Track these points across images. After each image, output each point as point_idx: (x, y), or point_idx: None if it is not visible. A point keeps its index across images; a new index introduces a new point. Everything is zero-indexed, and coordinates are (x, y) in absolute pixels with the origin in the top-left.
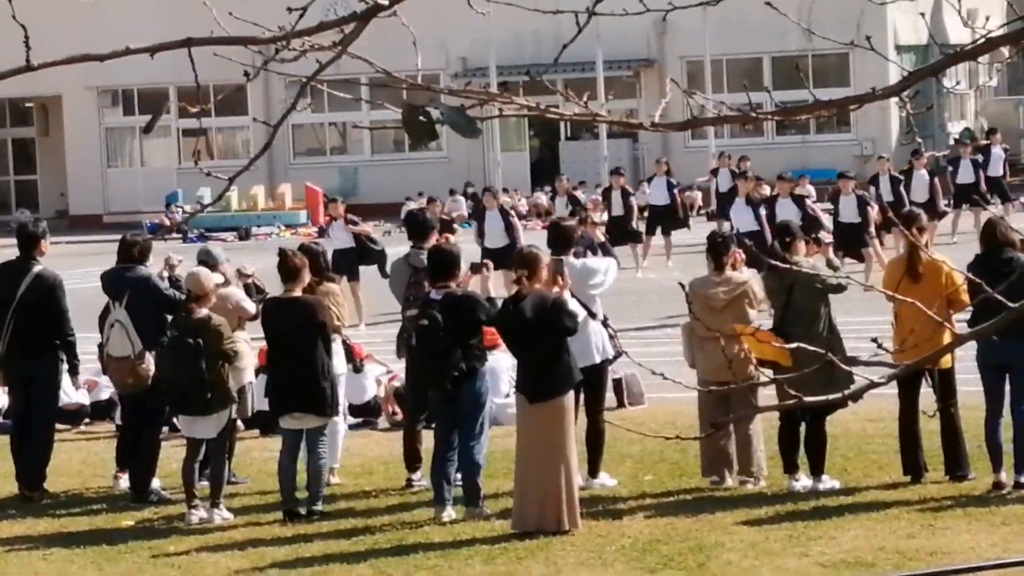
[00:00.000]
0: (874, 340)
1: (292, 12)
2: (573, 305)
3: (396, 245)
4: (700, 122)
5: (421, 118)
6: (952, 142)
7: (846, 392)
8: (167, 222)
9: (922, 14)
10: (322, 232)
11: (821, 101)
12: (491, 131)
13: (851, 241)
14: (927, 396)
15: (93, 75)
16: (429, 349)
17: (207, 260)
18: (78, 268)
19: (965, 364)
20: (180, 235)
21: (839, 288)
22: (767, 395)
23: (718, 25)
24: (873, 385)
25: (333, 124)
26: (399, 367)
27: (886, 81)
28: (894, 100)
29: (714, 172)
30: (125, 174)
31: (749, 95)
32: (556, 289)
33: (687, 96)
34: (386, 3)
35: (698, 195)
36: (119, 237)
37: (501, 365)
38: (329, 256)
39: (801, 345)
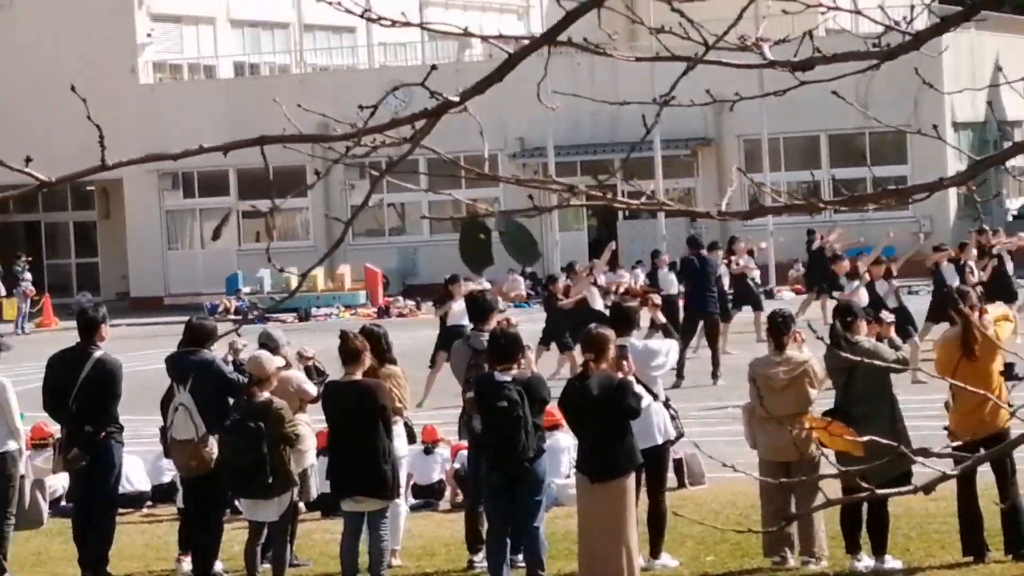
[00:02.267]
0: (945, 428)
1: (363, 109)
2: (638, 388)
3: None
4: (765, 210)
5: (481, 235)
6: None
7: (919, 485)
8: (228, 304)
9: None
10: (381, 313)
11: (888, 189)
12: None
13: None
14: (985, 475)
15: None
16: (500, 431)
17: (268, 343)
18: (139, 351)
19: None
20: (239, 316)
21: (900, 368)
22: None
23: (775, 104)
24: (946, 477)
25: (392, 205)
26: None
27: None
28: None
29: (809, 244)
30: (185, 256)
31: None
32: (620, 373)
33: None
34: (457, 100)
35: (756, 272)
36: (180, 319)
37: (560, 445)
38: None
39: (873, 438)
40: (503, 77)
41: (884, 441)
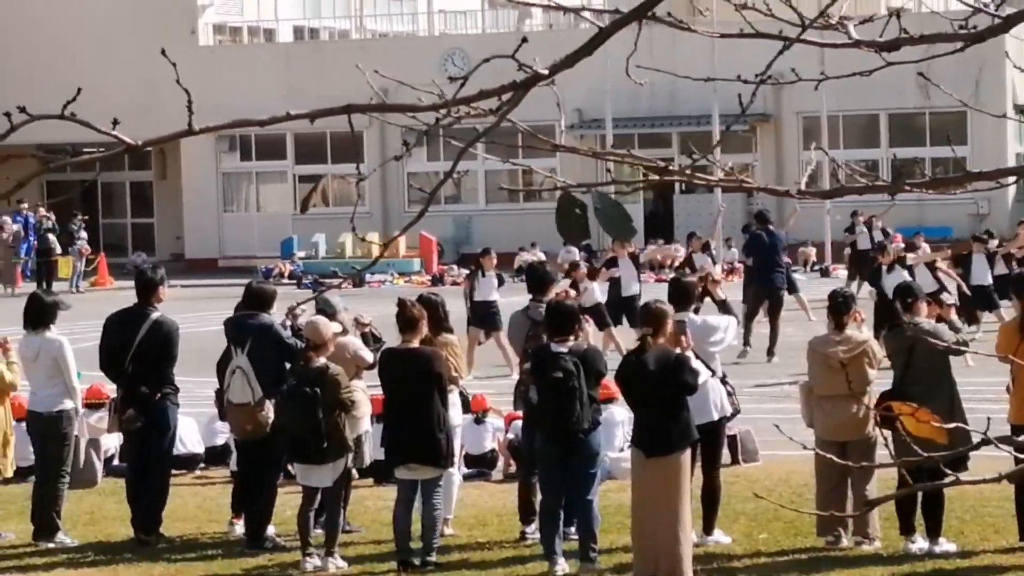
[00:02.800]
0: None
1: (453, 81)
2: (696, 363)
3: (509, 295)
4: (847, 190)
5: (577, 211)
6: None
7: (1002, 473)
8: (283, 268)
9: None
10: (435, 281)
11: (974, 172)
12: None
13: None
14: None
15: (210, 119)
16: (556, 402)
17: (325, 309)
18: (193, 312)
19: None
20: (294, 281)
21: (960, 351)
22: (882, 456)
23: (835, 81)
24: None
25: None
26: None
27: (1004, 140)
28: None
29: (850, 230)
30: (241, 219)
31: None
32: (678, 349)
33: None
34: (546, 72)
35: (812, 251)
36: (234, 281)
37: (615, 419)
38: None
39: (960, 425)
40: (593, 51)
41: (969, 428)
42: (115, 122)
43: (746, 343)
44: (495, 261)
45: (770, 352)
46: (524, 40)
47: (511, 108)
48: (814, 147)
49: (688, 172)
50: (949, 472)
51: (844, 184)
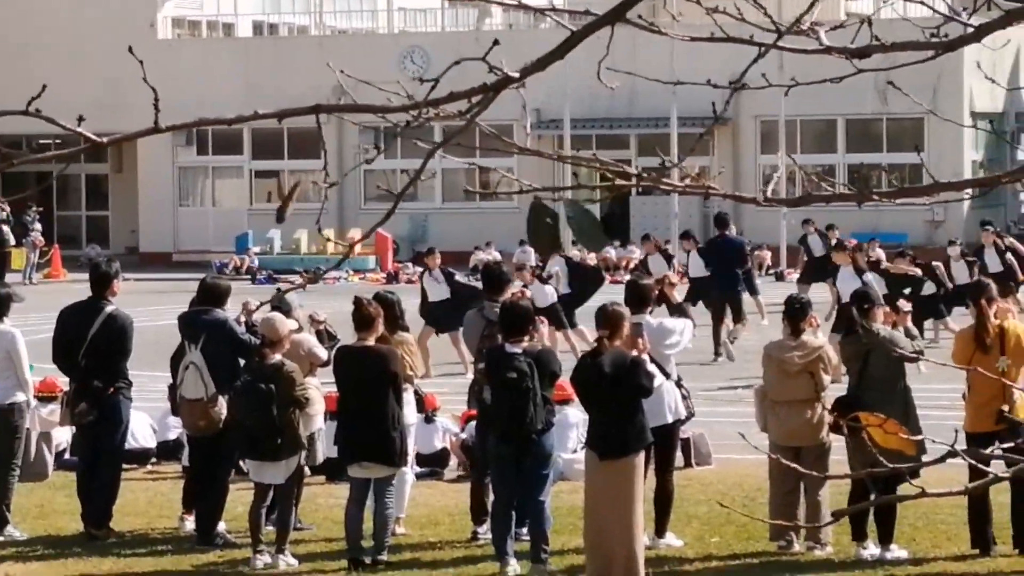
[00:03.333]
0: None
1: (415, 80)
2: (651, 367)
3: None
4: (813, 198)
5: (548, 220)
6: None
7: (968, 485)
8: (237, 263)
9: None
10: (390, 278)
11: (942, 182)
12: (562, 184)
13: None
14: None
15: (168, 114)
16: (510, 402)
17: (281, 305)
18: (147, 306)
19: None
20: (248, 276)
21: (915, 358)
22: (836, 462)
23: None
24: (997, 479)
25: (404, 171)
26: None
27: (960, 147)
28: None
29: (803, 240)
30: (196, 213)
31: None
32: (635, 351)
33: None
34: (516, 75)
35: (767, 254)
36: (188, 276)
37: (569, 420)
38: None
39: (929, 438)
40: (564, 55)
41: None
42: (80, 119)
43: (717, 352)
44: (439, 260)
45: (717, 354)
46: (495, 42)
47: (481, 110)
48: (780, 154)
49: (654, 177)
50: (909, 481)
51: (809, 192)
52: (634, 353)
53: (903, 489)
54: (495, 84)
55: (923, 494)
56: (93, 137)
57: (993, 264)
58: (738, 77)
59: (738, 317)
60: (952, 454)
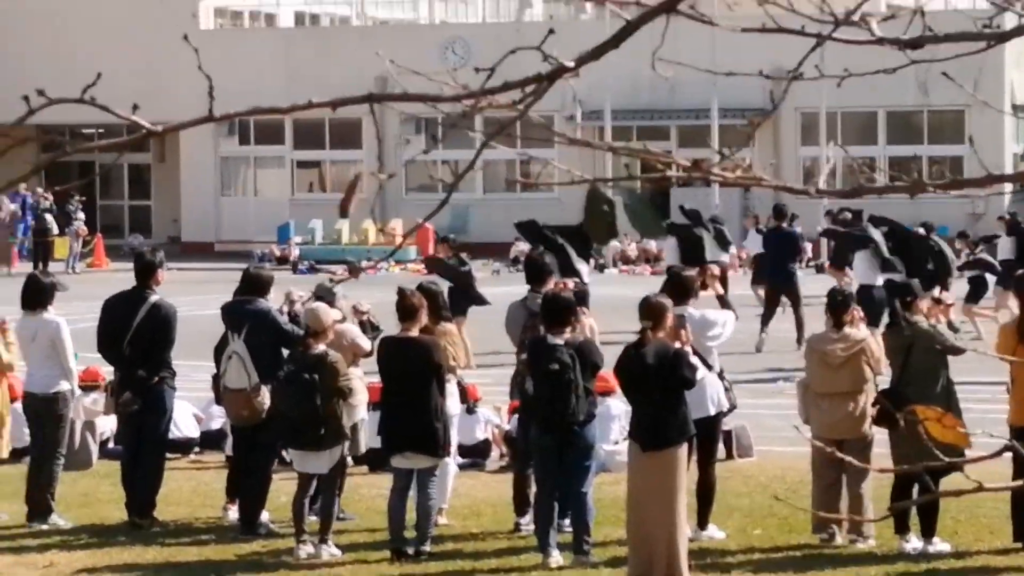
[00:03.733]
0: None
1: (479, 72)
2: (694, 358)
3: (504, 285)
4: (867, 189)
5: (604, 207)
6: None
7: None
8: (279, 253)
9: None
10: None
11: (999, 174)
12: (603, 174)
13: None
14: None
15: (212, 104)
16: (551, 394)
17: (324, 295)
18: (189, 295)
19: None
20: (290, 266)
21: (958, 350)
22: (877, 455)
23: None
24: None
25: (446, 162)
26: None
27: (1001, 140)
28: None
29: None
30: (238, 203)
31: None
32: (678, 343)
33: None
34: (572, 65)
35: (808, 246)
36: (230, 266)
37: (611, 412)
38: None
39: (986, 432)
40: (619, 44)
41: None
42: (135, 107)
43: (760, 341)
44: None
45: (799, 342)
46: (551, 31)
47: (536, 100)
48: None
49: (706, 168)
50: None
51: (863, 184)
52: (677, 345)
53: (953, 482)
54: (550, 73)
55: (980, 488)
56: (148, 126)
57: (1004, 250)
58: (795, 67)
59: (797, 306)
60: (1009, 448)
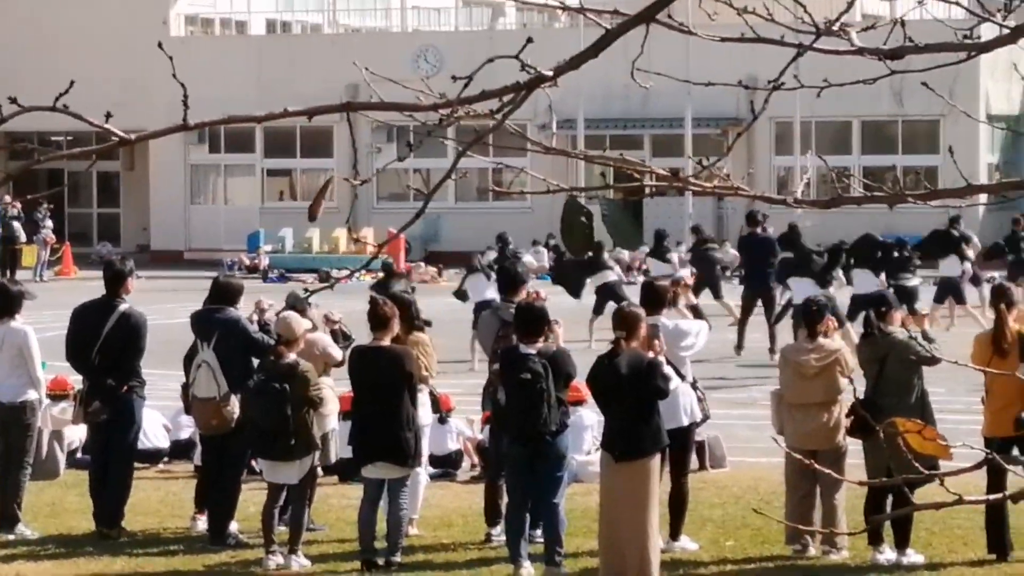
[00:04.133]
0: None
1: (456, 80)
2: (668, 368)
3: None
4: (846, 199)
5: (582, 219)
6: None
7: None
8: (248, 262)
9: None
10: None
11: (977, 186)
12: (577, 184)
13: None
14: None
15: (180, 112)
16: (524, 404)
17: (296, 304)
18: (158, 304)
19: None
20: (260, 275)
21: (933, 360)
22: (851, 466)
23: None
24: None
25: (417, 170)
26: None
27: (976, 149)
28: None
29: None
30: (208, 211)
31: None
32: (651, 353)
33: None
34: (550, 74)
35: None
36: (200, 274)
37: (584, 422)
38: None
39: (966, 444)
40: (598, 53)
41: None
42: (108, 115)
43: (739, 345)
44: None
45: (772, 351)
46: (529, 40)
47: (514, 109)
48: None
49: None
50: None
51: (841, 195)
52: (651, 355)
53: (928, 494)
54: (528, 82)
55: (960, 501)
56: (122, 134)
57: None
58: (775, 77)
59: (770, 313)
60: (989, 460)
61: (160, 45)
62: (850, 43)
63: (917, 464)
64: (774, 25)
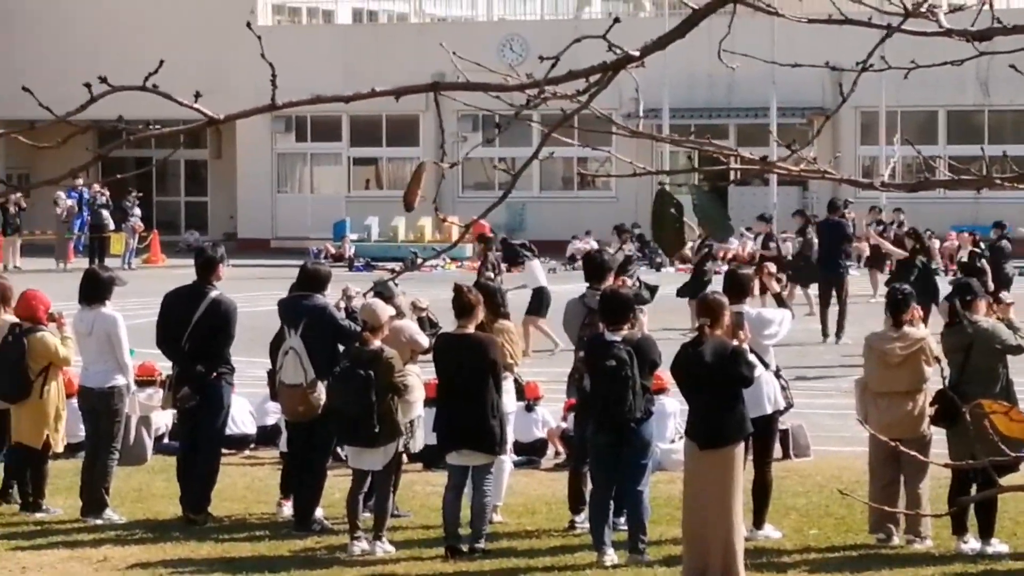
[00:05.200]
0: None
1: (544, 60)
2: (752, 356)
3: (561, 283)
4: (933, 183)
5: (672, 211)
6: None
7: None
8: (334, 250)
9: None
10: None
11: None
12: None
13: None
14: None
15: (266, 100)
16: (609, 391)
17: (382, 291)
18: (244, 291)
19: None
20: (345, 264)
21: (1019, 349)
22: (935, 455)
23: (895, 75)
24: None
25: (503, 159)
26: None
27: None
28: None
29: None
30: (294, 200)
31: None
32: (735, 341)
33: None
34: (636, 54)
35: (864, 246)
36: (286, 262)
37: (667, 410)
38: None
39: None
40: (685, 34)
41: None
42: (197, 95)
43: (825, 332)
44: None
45: (839, 334)
46: (616, 20)
47: (600, 90)
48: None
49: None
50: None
51: (928, 178)
52: (735, 343)
53: (1014, 482)
54: (614, 63)
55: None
56: (209, 113)
57: None
58: (862, 60)
59: (840, 298)
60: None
61: (249, 25)
62: (938, 24)
63: (1004, 447)
64: (861, 9)
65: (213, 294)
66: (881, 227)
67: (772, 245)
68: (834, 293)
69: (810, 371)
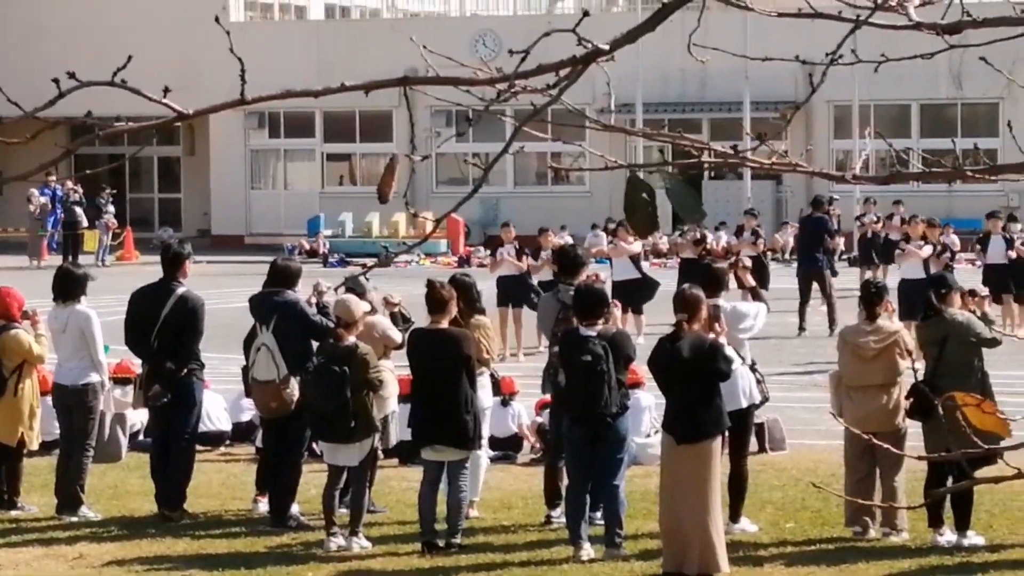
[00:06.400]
0: None
1: (513, 55)
2: (729, 350)
3: (535, 277)
4: (904, 176)
5: (644, 195)
6: None
7: None
8: (308, 246)
9: None
10: (462, 262)
11: None
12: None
13: (997, 284)
14: None
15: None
16: (584, 386)
17: (355, 287)
18: (218, 288)
19: None
20: (320, 259)
21: (994, 342)
22: (911, 448)
23: (867, 69)
24: None
25: (476, 154)
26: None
27: None
28: None
29: (859, 218)
30: (268, 196)
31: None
32: (712, 335)
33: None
34: (606, 47)
35: (840, 240)
36: (260, 258)
37: (642, 404)
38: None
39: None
40: (655, 27)
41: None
42: (166, 90)
43: (801, 326)
44: (513, 234)
45: (831, 326)
46: (585, 13)
47: (570, 84)
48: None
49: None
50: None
51: (899, 171)
52: (712, 337)
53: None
54: (584, 57)
55: (1020, 475)
56: (179, 108)
57: (995, 254)
58: (833, 50)
59: (824, 293)
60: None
61: (217, 19)
62: (908, 18)
63: (977, 440)
64: (832, 3)
65: (180, 291)
66: (877, 220)
67: (760, 241)
68: (817, 288)
69: (786, 364)
